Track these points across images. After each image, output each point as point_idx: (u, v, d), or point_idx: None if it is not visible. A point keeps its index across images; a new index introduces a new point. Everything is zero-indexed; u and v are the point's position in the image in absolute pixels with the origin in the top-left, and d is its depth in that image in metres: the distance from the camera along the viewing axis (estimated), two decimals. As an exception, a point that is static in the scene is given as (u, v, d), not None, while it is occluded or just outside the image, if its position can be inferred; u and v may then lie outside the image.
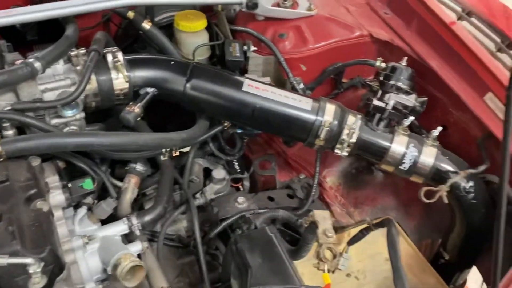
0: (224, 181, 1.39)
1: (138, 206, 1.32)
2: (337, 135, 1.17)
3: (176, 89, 1.13)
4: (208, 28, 1.39)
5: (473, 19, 2.76)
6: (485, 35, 2.65)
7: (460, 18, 2.65)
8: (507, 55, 2.50)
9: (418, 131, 1.38)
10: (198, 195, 1.34)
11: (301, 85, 1.34)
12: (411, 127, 1.38)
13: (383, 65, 1.22)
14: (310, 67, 1.33)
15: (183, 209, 1.28)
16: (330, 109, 1.17)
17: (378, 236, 1.23)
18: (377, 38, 1.31)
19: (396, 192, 1.41)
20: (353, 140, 1.16)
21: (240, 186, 1.49)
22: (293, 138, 1.27)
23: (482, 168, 1.15)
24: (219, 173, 1.39)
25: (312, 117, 1.16)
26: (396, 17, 1.36)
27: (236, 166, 1.47)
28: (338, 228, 1.34)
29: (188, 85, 1.13)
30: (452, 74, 1.23)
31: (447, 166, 1.18)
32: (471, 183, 1.17)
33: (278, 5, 1.35)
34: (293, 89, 1.30)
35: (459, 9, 2.22)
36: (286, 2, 1.35)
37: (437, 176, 1.18)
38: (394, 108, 1.16)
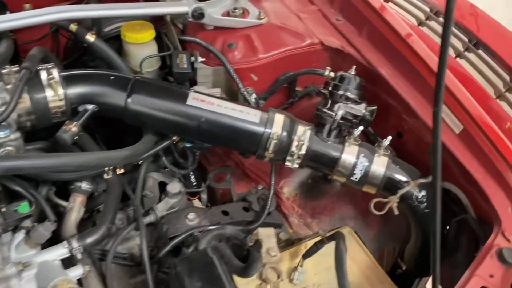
0: (180, 195, 1.36)
1: (91, 223, 1.28)
2: (286, 147, 1.14)
3: (117, 105, 1.09)
4: (159, 39, 1.36)
5: (441, 19, 2.77)
6: (453, 35, 2.66)
7: (428, 18, 2.64)
8: (474, 54, 2.50)
9: (373, 139, 1.37)
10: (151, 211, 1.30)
11: (253, 96, 1.31)
12: (367, 135, 1.37)
13: (332, 74, 1.19)
14: (262, 77, 1.30)
15: (133, 226, 1.24)
16: (279, 121, 1.14)
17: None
18: (328, 45, 1.29)
19: (354, 201, 1.39)
20: (303, 152, 1.14)
21: (198, 200, 1.46)
22: (243, 151, 1.24)
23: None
24: (174, 187, 1.36)
25: (260, 129, 1.13)
26: (348, 24, 1.34)
27: (193, 179, 1.43)
28: (296, 240, 1.32)
29: (129, 100, 1.09)
30: (403, 81, 1.21)
31: (399, 176, 1.16)
32: (423, 193, 1.15)
33: (228, 14, 1.32)
34: (244, 100, 1.27)
35: (427, 9, 2.21)
36: (236, 10, 1.32)
37: (389, 186, 1.16)
38: (343, 118, 1.14)
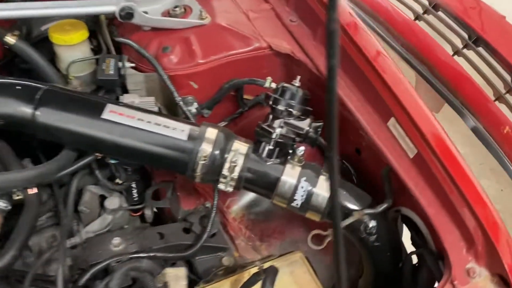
0: (119, 212, 1.24)
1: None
2: (218, 167, 1.01)
3: (24, 118, 0.97)
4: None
5: (440, 13, 2.57)
6: (452, 30, 2.46)
7: (426, 11, 2.45)
8: (473, 51, 2.30)
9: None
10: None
11: (195, 105, 1.17)
12: (323, 152, 1.22)
13: (273, 85, 1.05)
14: (203, 84, 1.15)
15: (56, 248, 1.13)
16: (210, 137, 1.00)
17: (282, 276, 1.07)
18: (277, 50, 1.14)
19: (307, 224, 1.24)
20: (235, 174, 1.00)
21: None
22: (171, 171, 1.10)
23: (383, 207, 0.98)
24: (112, 202, 1.24)
25: (187, 147, 0.99)
26: (303, 25, 1.18)
27: (135, 193, 1.31)
28: (239, 266, 1.19)
29: (37, 112, 0.96)
30: (356, 94, 1.05)
31: (346, 202, 1.02)
32: (373, 223, 1.01)
33: (168, 13, 1.18)
34: (181, 110, 1.13)
35: (425, 1, 2.03)
36: (177, 9, 1.17)
37: (336, 214, 1.01)
38: (283, 136, 0.99)
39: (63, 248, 1.09)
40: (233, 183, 1.01)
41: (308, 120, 1.02)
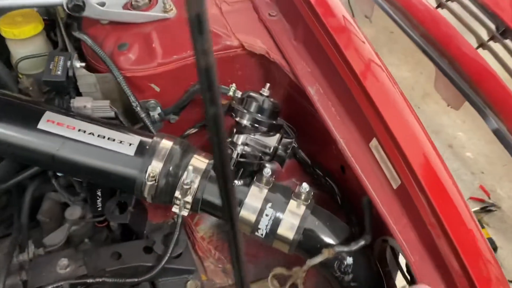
0: (81, 222, 1.13)
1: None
2: (171, 188, 0.87)
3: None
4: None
5: (465, 0, 2.33)
6: (478, 20, 2.22)
7: (447, -1, 2.20)
8: (500, 44, 2.07)
9: (311, 171, 1.06)
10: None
11: (158, 110, 1.03)
12: (304, 167, 1.07)
13: (238, 94, 0.89)
14: (166, 86, 1.01)
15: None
16: (162, 152, 0.86)
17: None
18: (250, 50, 0.98)
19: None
20: (189, 198, 0.86)
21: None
22: (118, 189, 0.97)
23: (359, 244, 0.83)
24: (73, 212, 1.12)
25: (134, 165, 0.86)
26: (284, 20, 1.01)
27: (99, 203, 1.19)
28: (205, 292, 1.06)
29: (-33, 120, 0.85)
30: (337, 107, 0.89)
31: (321, 234, 0.86)
32: (349, 261, 0.85)
33: (131, 4, 1.03)
34: (139, 116, 0.99)
35: None
36: (140, 0, 1.02)
37: (307, 246, 0.87)
38: (243, 155, 0.84)
39: (6, 266, 0.98)
40: (188, 206, 0.88)
41: (277, 136, 0.87)
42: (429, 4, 2.29)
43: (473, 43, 2.15)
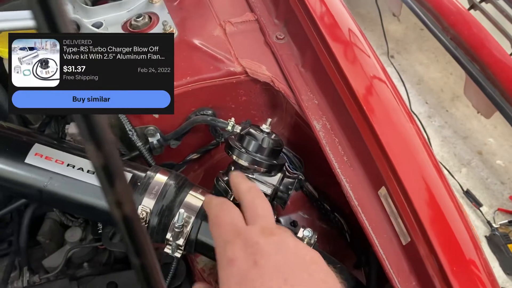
0: (81, 244, 1.10)
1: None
2: (163, 227, 0.81)
3: None
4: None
5: (500, 2, 2.18)
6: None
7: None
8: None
9: (318, 205, 0.99)
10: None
11: (157, 136, 0.98)
12: (317, 202, 0.99)
13: (237, 129, 0.82)
14: (166, 113, 0.95)
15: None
16: (155, 189, 0.81)
17: None
18: (254, 77, 0.90)
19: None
20: (181, 242, 0.80)
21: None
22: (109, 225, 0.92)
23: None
24: (73, 234, 1.10)
25: (125, 203, 0.80)
26: (292, 44, 0.93)
27: (99, 224, 1.15)
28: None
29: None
30: (345, 146, 0.81)
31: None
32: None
33: (130, 24, 0.97)
34: (135, 145, 0.94)
35: None
36: (140, 19, 0.96)
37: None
38: (241, 198, 0.78)
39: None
40: (180, 250, 0.82)
41: (277, 176, 0.80)
42: (461, 5, 2.14)
43: (507, 48, 2.01)
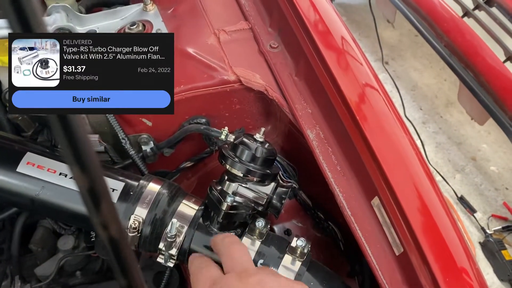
0: (74, 252, 1.09)
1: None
2: (156, 236, 0.81)
3: None
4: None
5: (494, 10, 2.20)
6: (506, 31, 2.09)
7: (477, 7, 2.09)
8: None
9: (312, 213, 0.99)
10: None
11: (151, 144, 0.97)
12: (311, 210, 0.99)
13: (231, 138, 0.82)
14: (159, 120, 0.95)
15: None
16: (148, 198, 0.81)
17: None
18: (248, 86, 0.90)
19: None
20: (173, 252, 0.80)
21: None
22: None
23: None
24: (66, 242, 1.09)
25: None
26: (286, 53, 0.93)
27: (92, 232, 1.14)
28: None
29: None
30: (338, 156, 0.81)
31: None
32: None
33: (124, 32, 0.97)
34: (128, 153, 0.94)
35: None
36: (133, 27, 0.96)
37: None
38: (234, 206, 0.78)
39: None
40: (173, 260, 0.82)
41: (271, 186, 0.80)
42: (454, 13, 2.15)
43: (501, 55, 2.02)
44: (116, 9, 1.00)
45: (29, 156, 0.82)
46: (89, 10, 1.11)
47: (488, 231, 2.25)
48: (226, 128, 0.82)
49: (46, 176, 0.80)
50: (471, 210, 2.31)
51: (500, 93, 1.95)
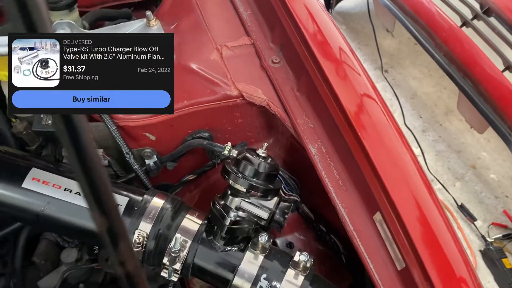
0: (78, 264, 1.09)
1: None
2: (160, 251, 0.82)
3: None
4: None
5: (492, 20, 2.21)
6: (505, 41, 2.11)
7: (475, 17, 2.11)
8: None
9: (314, 227, 1.00)
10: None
11: (154, 158, 0.98)
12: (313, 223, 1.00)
13: (234, 153, 0.83)
14: (163, 135, 0.96)
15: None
16: (152, 213, 0.81)
17: None
18: (250, 101, 0.91)
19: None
20: (177, 266, 0.80)
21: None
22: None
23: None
24: (69, 254, 1.09)
25: (121, 227, 0.81)
26: (288, 68, 0.95)
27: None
28: None
29: None
30: (340, 171, 0.82)
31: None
32: None
33: (127, 45, 0.98)
34: (131, 167, 0.94)
35: (476, 5, 1.84)
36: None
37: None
38: (237, 221, 0.78)
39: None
40: (177, 274, 0.82)
41: (274, 200, 0.81)
42: (453, 23, 2.17)
43: (499, 65, 2.04)
44: (119, 24, 1.01)
45: (34, 171, 0.83)
46: (93, 24, 1.12)
47: (488, 239, 2.25)
48: (229, 143, 0.83)
49: (51, 192, 0.81)
50: (471, 218, 2.32)
51: (499, 102, 1.97)
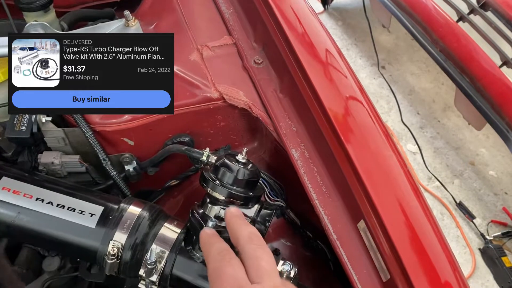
0: (59, 273, 1.06)
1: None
2: (135, 264, 0.78)
3: None
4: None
5: (489, 14, 2.17)
6: (502, 36, 2.06)
7: (472, 11, 2.06)
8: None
9: (300, 233, 0.96)
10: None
11: (134, 164, 0.95)
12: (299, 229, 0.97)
13: (212, 159, 0.79)
14: (142, 140, 0.92)
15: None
16: (128, 222, 0.78)
17: None
18: (231, 103, 0.88)
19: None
20: (154, 278, 0.77)
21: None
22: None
23: None
24: (51, 263, 1.06)
25: (95, 236, 0.78)
26: (271, 68, 0.91)
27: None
28: None
29: None
30: (323, 176, 0.78)
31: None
32: None
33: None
34: (109, 174, 0.91)
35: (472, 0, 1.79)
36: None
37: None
38: (219, 230, 0.75)
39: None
40: (155, 286, 0.79)
41: (254, 208, 0.77)
42: (449, 17, 2.13)
43: (497, 60, 1.99)
44: (97, 25, 0.97)
45: (4, 181, 0.79)
46: (72, 25, 1.08)
47: (487, 237, 2.22)
48: (207, 149, 0.79)
49: (22, 202, 0.78)
50: (470, 216, 2.28)
51: (497, 98, 1.93)
